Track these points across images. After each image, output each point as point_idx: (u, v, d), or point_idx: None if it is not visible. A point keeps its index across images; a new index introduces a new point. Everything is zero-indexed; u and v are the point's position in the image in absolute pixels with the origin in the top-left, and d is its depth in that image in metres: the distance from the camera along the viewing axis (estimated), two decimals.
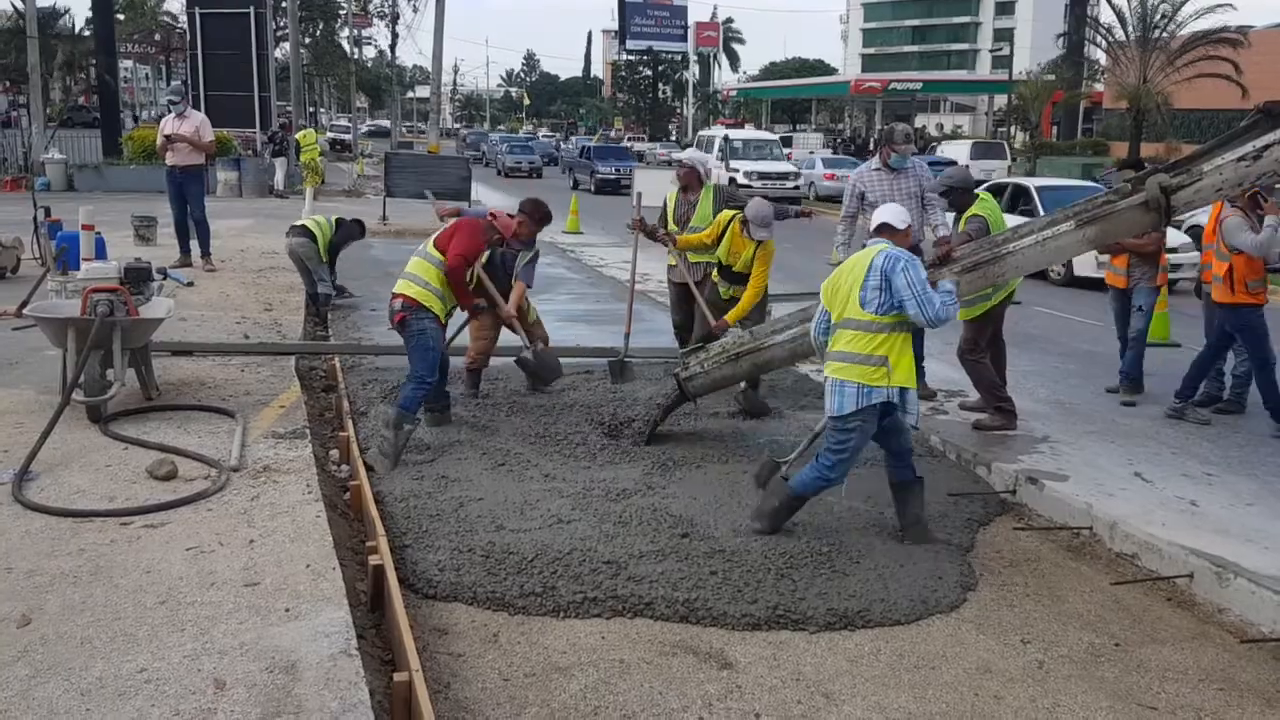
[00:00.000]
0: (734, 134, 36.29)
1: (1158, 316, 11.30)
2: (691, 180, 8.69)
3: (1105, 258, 9.01)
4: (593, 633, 4.64)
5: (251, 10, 26.68)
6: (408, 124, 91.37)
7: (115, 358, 6.41)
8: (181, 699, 3.39)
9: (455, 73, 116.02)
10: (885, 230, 5.56)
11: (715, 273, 8.17)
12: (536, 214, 7.80)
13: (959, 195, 7.60)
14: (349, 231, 11.40)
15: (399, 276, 6.95)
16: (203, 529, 4.88)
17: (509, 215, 7.49)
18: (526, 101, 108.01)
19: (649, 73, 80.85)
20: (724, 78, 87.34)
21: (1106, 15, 39.47)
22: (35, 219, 12.37)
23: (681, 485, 6.28)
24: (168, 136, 12.63)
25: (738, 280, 7.99)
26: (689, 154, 9.28)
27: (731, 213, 7.98)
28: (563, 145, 60.29)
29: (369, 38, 70.24)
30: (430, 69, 40.76)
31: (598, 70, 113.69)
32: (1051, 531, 6.00)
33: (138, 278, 6.91)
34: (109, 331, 6.31)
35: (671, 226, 8.79)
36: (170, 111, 13.00)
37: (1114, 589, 5.29)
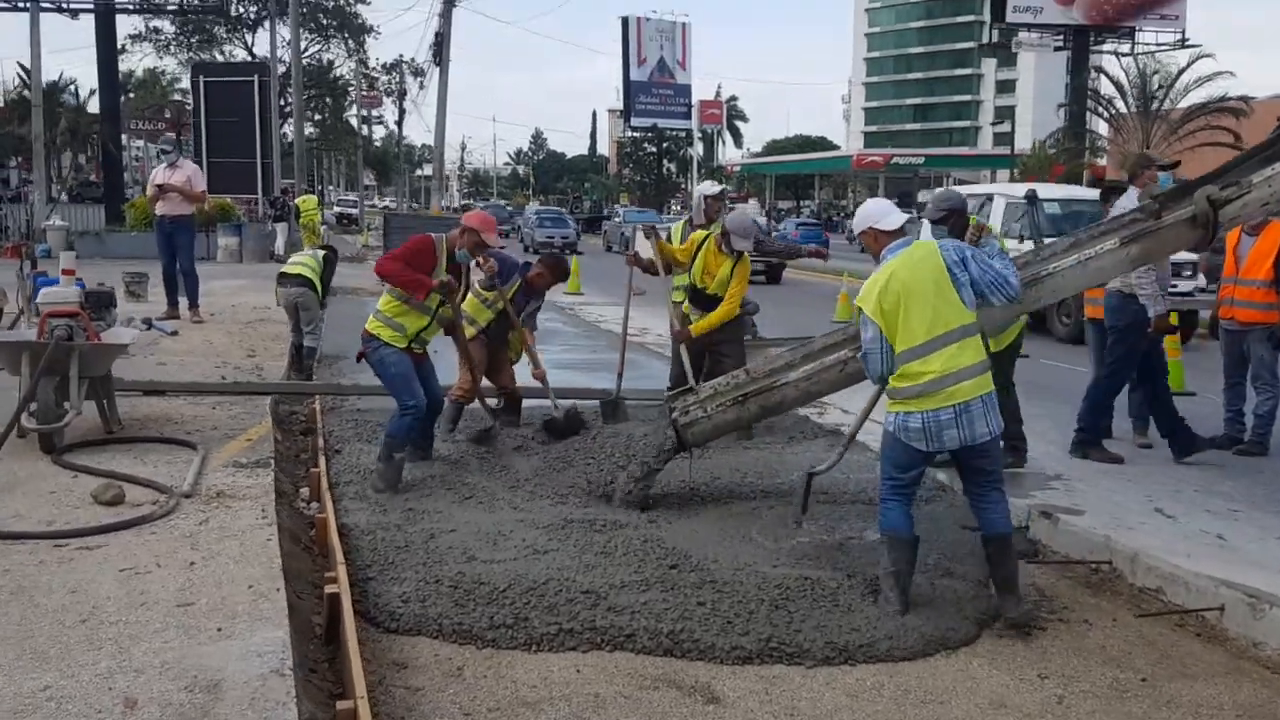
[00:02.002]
0: (1049, 192, 17.93)
1: (1170, 364, 10.97)
2: (710, 215, 8.51)
3: None
4: (567, 666, 4.23)
5: (255, 79, 26.86)
6: (414, 205, 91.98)
7: (72, 384, 6.06)
8: (84, 718, 2.98)
9: (462, 149, 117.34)
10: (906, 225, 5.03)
11: (686, 303, 7.83)
12: (557, 269, 7.89)
13: (958, 218, 7.02)
14: (332, 265, 11.16)
15: None
16: (141, 551, 4.50)
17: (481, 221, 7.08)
18: (533, 179, 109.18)
19: (654, 149, 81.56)
20: (728, 154, 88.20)
21: (1107, 88, 39.70)
22: (20, 269, 12.13)
23: (685, 519, 5.90)
24: (159, 186, 12.44)
25: (710, 305, 7.66)
26: (705, 188, 9.06)
27: (705, 231, 7.75)
28: (615, 214, 50.75)
29: (378, 116, 71.07)
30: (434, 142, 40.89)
31: (603, 148, 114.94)
32: (1068, 566, 5.58)
33: (99, 303, 6.60)
34: (65, 356, 5.98)
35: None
36: (162, 161, 12.85)
37: (1138, 624, 4.86)
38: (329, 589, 4.45)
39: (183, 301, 12.88)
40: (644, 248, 8.75)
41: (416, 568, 4.99)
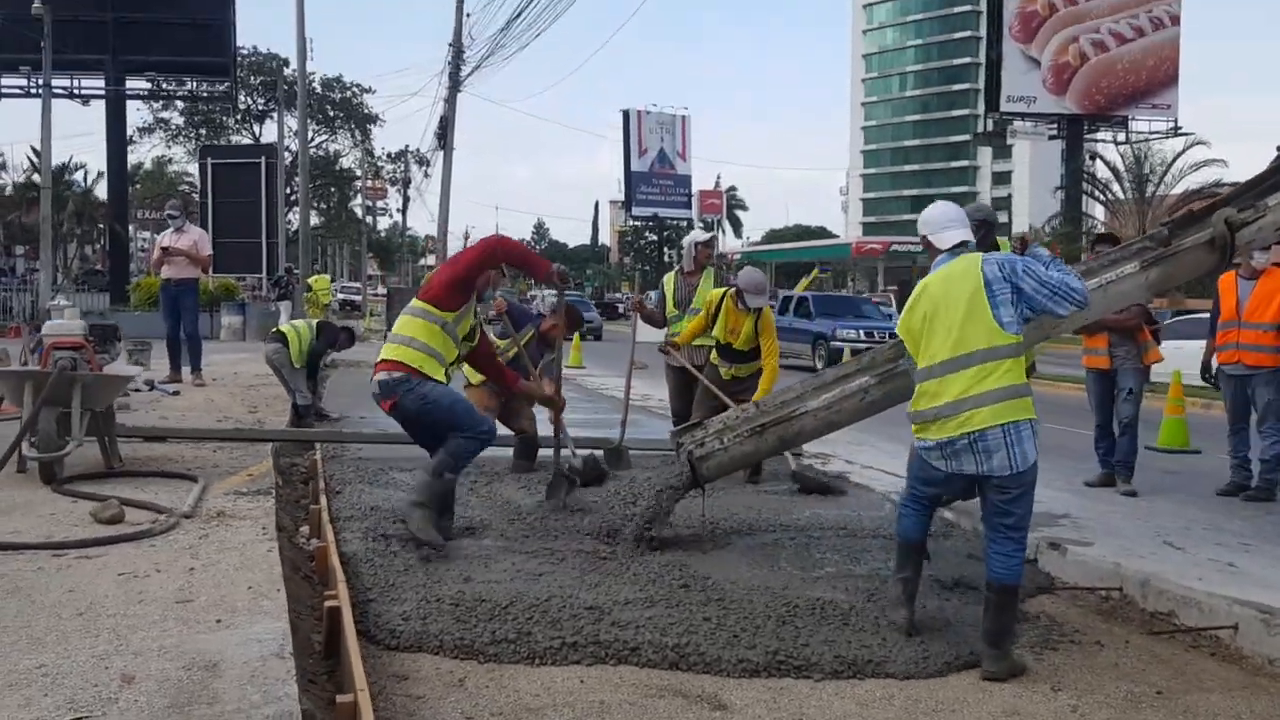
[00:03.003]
0: None
1: (1174, 423, 10.94)
2: (700, 262, 8.59)
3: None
4: (571, 678, 4.14)
5: (263, 160, 27.22)
6: (428, 268, 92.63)
7: (74, 415, 6.04)
8: (79, 690, 2.93)
9: (465, 239, 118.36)
10: (964, 245, 4.61)
11: (714, 354, 7.88)
12: (571, 318, 7.70)
13: (989, 232, 6.63)
14: (332, 337, 10.94)
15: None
16: (141, 560, 4.45)
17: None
18: None
19: (654, 238, 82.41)
20: (728, 243, 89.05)
21: (1102, 172, 40.27)
22: (26, 340, 12.19)
23: (715, 548, 5.86)
24: (165, 249, 12.53)
25: (738, 359, 7.68)
26: (695, 235, 9.16)
27: (720, 290, 7.78)
28: (647, 299, 48.97)
29: (383, 207, 72.06)
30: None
31: (605, 237, 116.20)
32: (1078, 594, 5.50)
33: (104, 336, 6.61)
34: (68, 386, 5.97)
35: (671, 309, 8.59)
36: (169, 225, 12.96)
37: (1151, 644, 4.79)
38: (329, 603, 4.38)
39: (185, 370, 12.87)
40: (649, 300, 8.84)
41: (416, 588, 4.92)
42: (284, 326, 10.95)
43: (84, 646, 3.31)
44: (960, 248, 4.56)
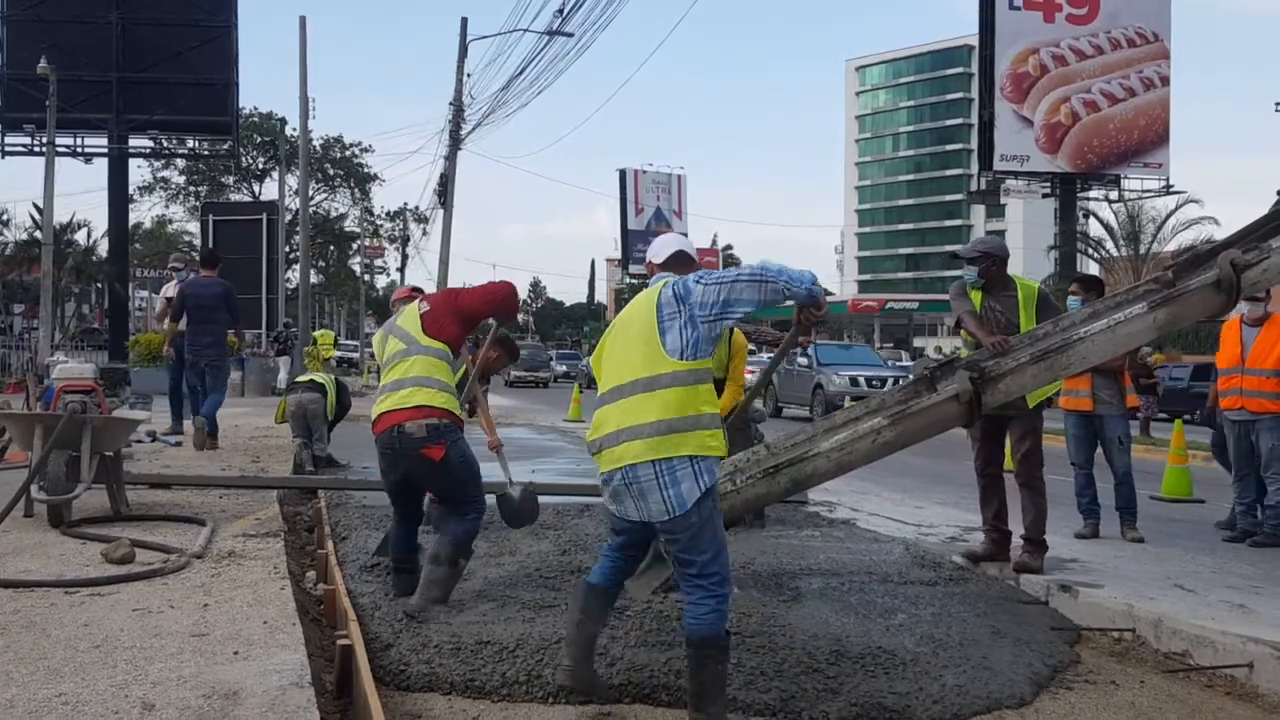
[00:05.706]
0: None
1: (1177, 472, 10.95)
2: None
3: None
4: (586, 715, 4.12)
5: (264, 217, 27.36)
6: None
7: (83, 458, 6.04)
8: (100, 717, 2.92)
9: None
10: (676, 262, 4.18)
11: None
12: (513, 350, 7.50)
13: (991, 266, 6.48)
14: (348, 398, 11.20)
15: (392, 390, 5.19)
16: (154, 597, 4.44)
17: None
18: (533, 326, 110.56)
19: None
20: None
21: (1096, 229, 40.59)
22: (27, 380, 12.24)
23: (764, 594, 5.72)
24: (169, 299, 12.59)
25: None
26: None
27: None
28: None
29: (381, 265, 72.44)
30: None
31: (601, 295, 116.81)
32: (1091, 636, 5.47)
33: (114, 379, 6.62)
34: (78, 430, 5.97)
35: None
36: (174, 277, 13.04)
37: (1166, 684, 4.77)
38: (341, 643, 4.36)
39: (186, 423, 12.85)
40: None
41: (422, 631, 4.88)
42: (317, 378, 10.97)
43: (102, 677, 3.30)
44: (674, 260, 4.18)
